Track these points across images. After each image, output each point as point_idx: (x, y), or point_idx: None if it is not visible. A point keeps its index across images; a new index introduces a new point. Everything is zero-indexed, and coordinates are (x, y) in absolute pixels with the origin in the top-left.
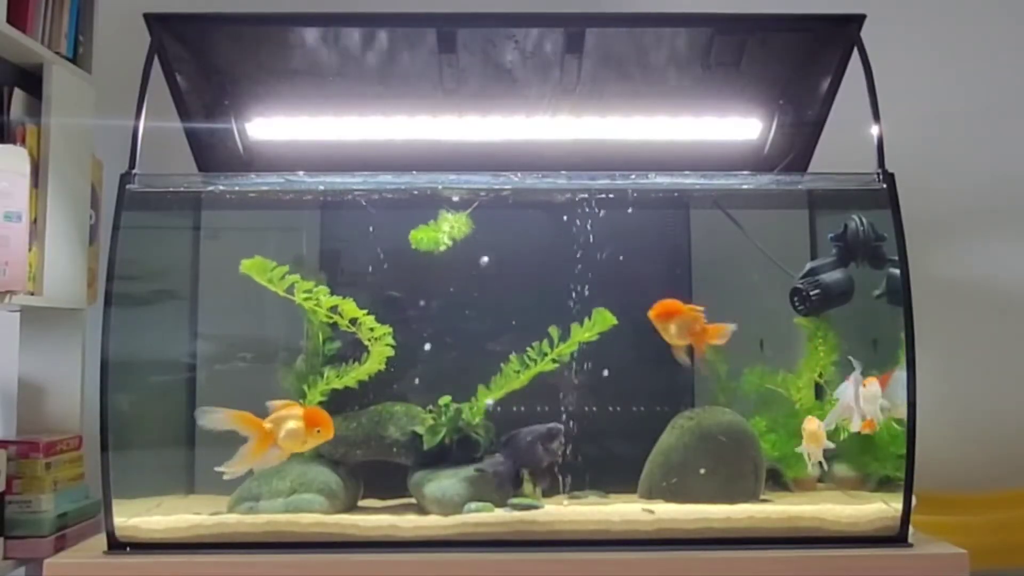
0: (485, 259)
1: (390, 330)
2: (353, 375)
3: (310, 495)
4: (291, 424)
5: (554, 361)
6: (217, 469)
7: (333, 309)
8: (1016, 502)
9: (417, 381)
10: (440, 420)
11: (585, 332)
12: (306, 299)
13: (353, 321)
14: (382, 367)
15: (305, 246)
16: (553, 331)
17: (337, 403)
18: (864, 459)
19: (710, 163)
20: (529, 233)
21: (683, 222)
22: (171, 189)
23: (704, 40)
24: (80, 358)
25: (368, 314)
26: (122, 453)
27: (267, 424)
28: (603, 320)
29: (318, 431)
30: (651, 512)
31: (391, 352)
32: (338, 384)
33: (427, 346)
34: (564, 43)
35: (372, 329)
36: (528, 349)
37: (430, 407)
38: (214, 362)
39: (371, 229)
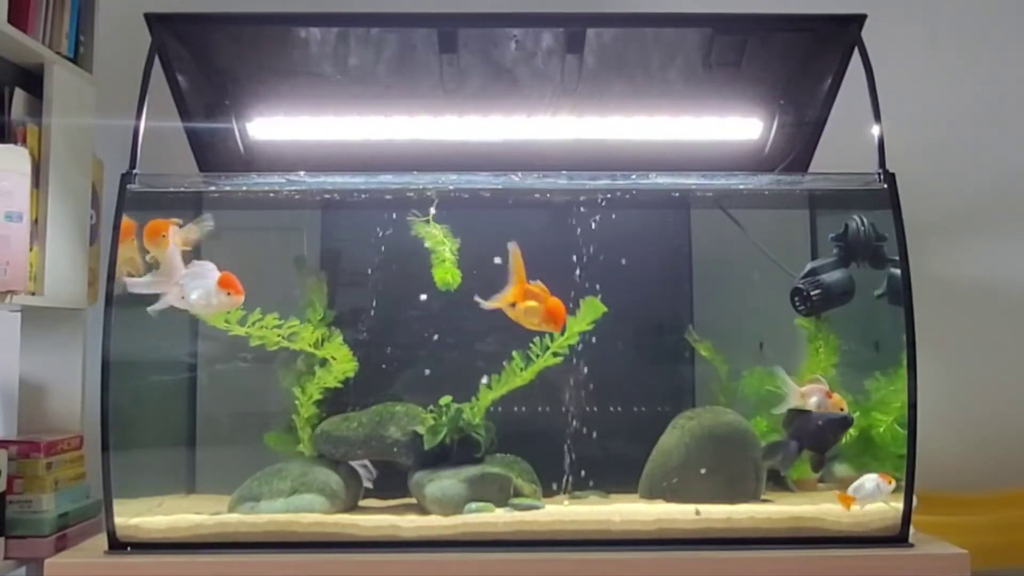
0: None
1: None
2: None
3: (310, 495)
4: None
5: (555, 355)
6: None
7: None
8: (1017, 502)
9: (418, 380)
10: (440, 420)
11: (580, 323)
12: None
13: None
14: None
15: (305, 246)
16: None
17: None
18: (865, 459)
19: (711, 163)
20: (530, 233)
21: (684, 222)
22: (171, 189)
23: (704, 40)
24: (81, 358)
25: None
26: (123, 453)
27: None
28: (593, 309)
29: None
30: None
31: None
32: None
33: (428, 346)
34: (565, 43)
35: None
36: (531, 345)
37: (431, 407)
38: (214, 362)
39: (377, 229)
